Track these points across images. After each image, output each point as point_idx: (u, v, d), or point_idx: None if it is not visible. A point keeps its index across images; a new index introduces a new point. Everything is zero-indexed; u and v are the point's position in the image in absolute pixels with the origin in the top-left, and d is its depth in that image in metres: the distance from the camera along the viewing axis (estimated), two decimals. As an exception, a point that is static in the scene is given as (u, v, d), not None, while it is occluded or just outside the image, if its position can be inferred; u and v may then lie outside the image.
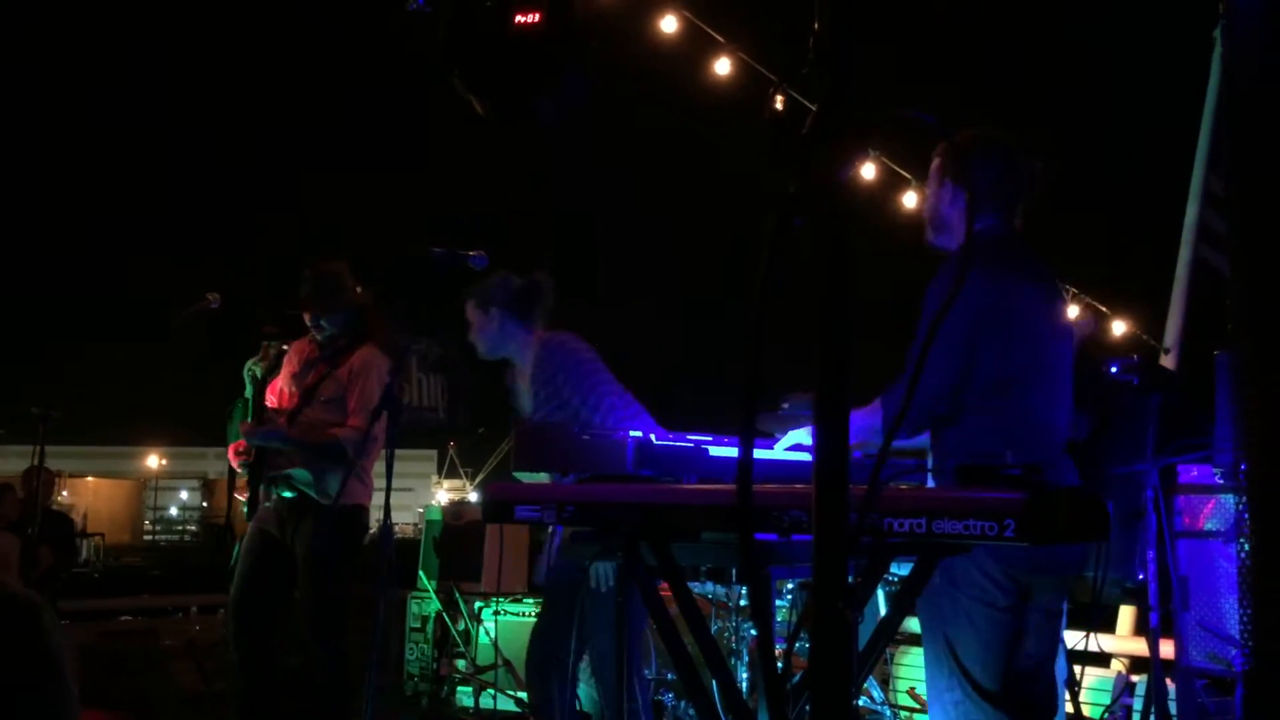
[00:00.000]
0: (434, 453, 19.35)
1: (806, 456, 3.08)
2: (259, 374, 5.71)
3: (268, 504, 4.68)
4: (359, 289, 4.84)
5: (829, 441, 1.44)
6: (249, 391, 5.81)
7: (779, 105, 1.66)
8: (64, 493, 16.34)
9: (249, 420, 5.73)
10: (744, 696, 3.46)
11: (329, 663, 4.54)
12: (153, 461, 18.60)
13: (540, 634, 4.15)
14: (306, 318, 4.80)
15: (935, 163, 3.18)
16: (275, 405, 4.79)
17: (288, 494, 4.64)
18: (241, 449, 4.76)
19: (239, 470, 5.10)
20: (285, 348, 5.74)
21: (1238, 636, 4.08)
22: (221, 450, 5.10)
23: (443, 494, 15.90)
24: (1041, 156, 3.10)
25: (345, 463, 4.58)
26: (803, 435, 3.07)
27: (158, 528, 18.10)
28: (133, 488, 17.69)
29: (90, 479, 17.15)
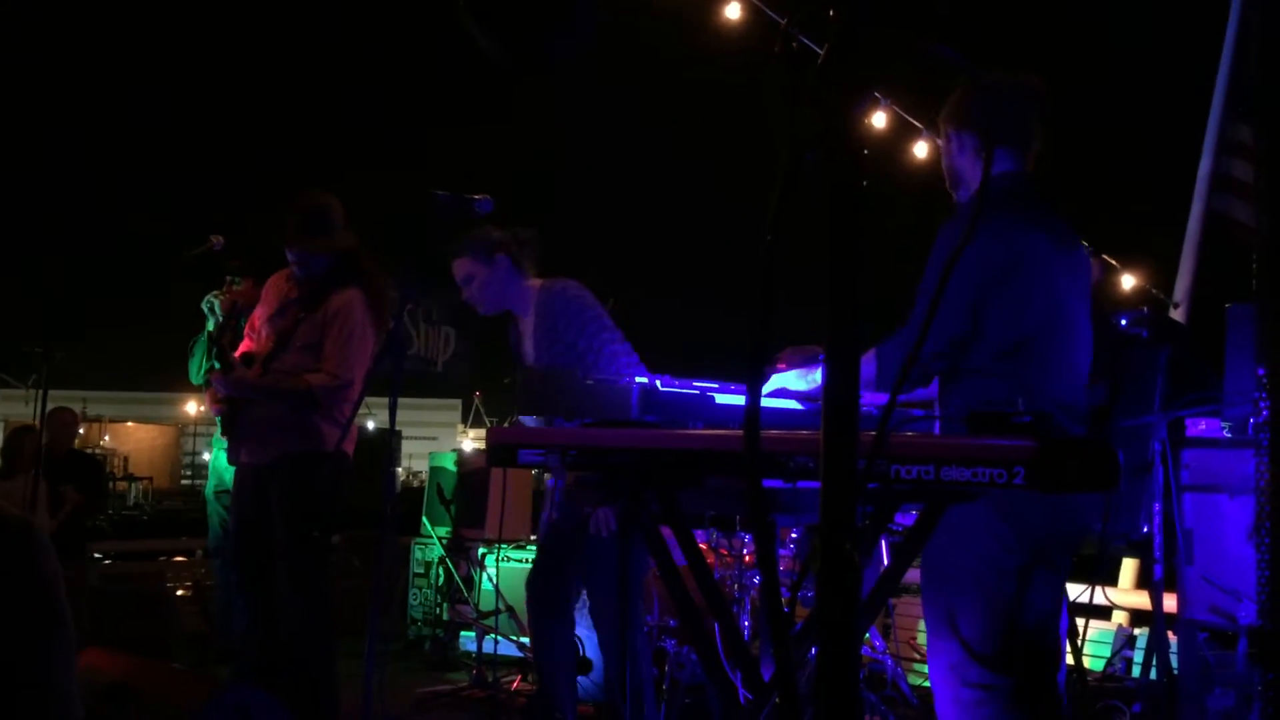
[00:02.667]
0: (459, 402, 19.37)
1: (793, 404, 3.03)
2: (218, 308, 5.61)
3: (243, 458, 4.50)
4: (348, 228, 4.56)
5: (839, 384, 1.41)
6: (210, 325, 5.73)
7: (791, 41, 1.62)
8: (106, 437, 16.48)
9: (208, 356, 5.64)
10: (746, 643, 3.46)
11: (306, 611, 4.38)
12: (191, 408, 18.54)
13: (538, 577, 4.15)
14: (290, 253, 4.50)
15: (941, 119, 3.07)
16: (252, 348, 4.56)
17: (260, 461, 4.46)
18: (217, 398, 4.56)
19: (215, 416, 4.96)
20: (236, 282, 5.56)
21: (1241, 590, 4.07)
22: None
23: (468, 443, 15.93)
24: (1035, 75, 2.98)
25: (319, 410, 4.41)
26: (788, 379, 2.99)
27: (192, 473, 18.19)
28: (171, 433, 17.76)
29: (130, 424, 17.18)
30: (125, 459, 15.76)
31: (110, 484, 14.93)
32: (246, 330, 4.70)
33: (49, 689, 0.97)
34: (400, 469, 14.59)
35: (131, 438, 16.90)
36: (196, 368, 6.06)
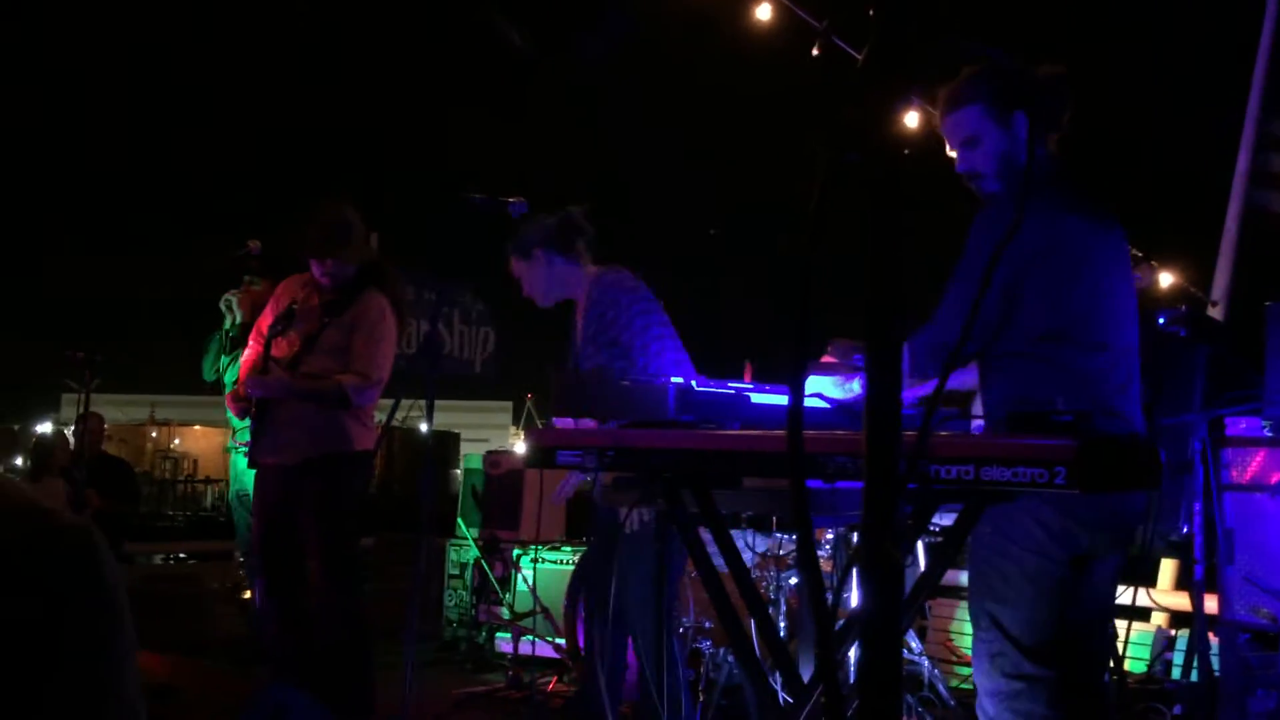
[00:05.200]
0: (510, 404, 19.45)
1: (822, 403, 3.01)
2: (235, 307, 5.71)
3: (270, 459, 4.54)
4: (367, 235, 4.66)
5: (880, 384, 1.41)
6: (227, 324, 5.82)
7: (829, 42, 1.62)
8: (176, 440, 16.78)
9: (221, 353, 5.71)
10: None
11: (341, 611, 4.43)
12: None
13: (592, 577, 4.17)
14: (318, 265, 4.56)
15: (977, 107, 2.99)
16: (260, 351, 4.60)
17: (288, 461, 4.49)
18: (240, 397, 4.60)
19: (237, 419, 5.00)
20: (255, 283, 5.62)
21: (1284, 590, 4.03)
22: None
23: (520, 445, 15.98)
24: (1058, 65, 2.93)
25: (348, 410, 4.46)
26: (824, 384, 2.97)
27: (254, 473, 18.55)
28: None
29: (197, 427, 17.42)
30: (195, 461, 16.09)
31: (186, 486, 15.22)
32: (253, 334, 4.74)
33: (116, 698, 0.97)
34: (458, 470, 14.70)
35: (199, 441, 17.17)
36: (210, 365, 6.11)
